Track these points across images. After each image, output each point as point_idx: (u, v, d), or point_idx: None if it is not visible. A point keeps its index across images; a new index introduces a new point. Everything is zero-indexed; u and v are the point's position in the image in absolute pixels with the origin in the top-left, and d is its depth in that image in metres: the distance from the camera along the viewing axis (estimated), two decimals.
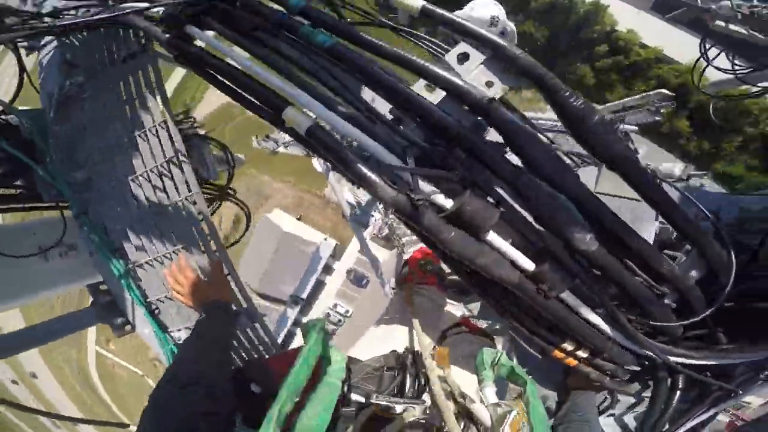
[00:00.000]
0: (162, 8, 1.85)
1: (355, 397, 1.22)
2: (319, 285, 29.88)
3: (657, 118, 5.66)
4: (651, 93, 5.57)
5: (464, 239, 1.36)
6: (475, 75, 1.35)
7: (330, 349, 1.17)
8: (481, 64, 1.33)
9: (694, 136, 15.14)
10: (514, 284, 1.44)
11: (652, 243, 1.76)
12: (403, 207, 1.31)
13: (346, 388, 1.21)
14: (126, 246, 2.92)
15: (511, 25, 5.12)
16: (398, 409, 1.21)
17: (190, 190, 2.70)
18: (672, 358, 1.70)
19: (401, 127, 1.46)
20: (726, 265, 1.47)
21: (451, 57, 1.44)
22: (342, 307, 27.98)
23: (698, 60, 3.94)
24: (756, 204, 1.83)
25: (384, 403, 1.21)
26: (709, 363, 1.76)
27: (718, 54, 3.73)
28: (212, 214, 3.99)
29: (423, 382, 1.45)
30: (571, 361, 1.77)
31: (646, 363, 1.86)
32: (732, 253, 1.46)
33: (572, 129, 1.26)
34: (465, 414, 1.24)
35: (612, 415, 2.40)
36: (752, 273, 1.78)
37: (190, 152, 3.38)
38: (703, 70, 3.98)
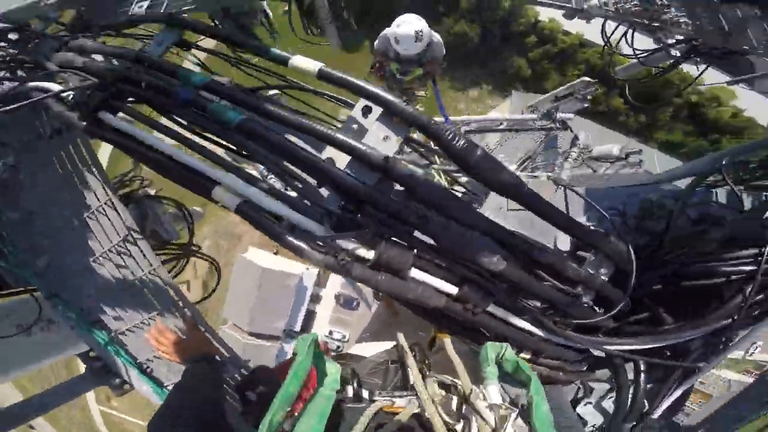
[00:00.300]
0: (71, 93, 1.81)
1: (364, 393, 1.28)
2: (311, 315, 29.02)
3: (585, 105, 5.94)
4: (575, 82, 5.83)
5: (391, 280, 1.48)
6: (375, 129, 1.42)
7: (325, 361, 1.19)
8: (377, 120, 1.40)
9: (631, 112, 15.90)
10: (443, 308, 1.56)
11: (569, 245, 1.90)
12: (332, 266, 1.42)
13: (356, 384, 1.27)
14: (104, 318, 2.90)
15: (436, 37, 5.23)
16: (402, 402, 1.23)
17: (151, 264, 2.71)
18: (612, 347, 1.81)
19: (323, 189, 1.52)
20: (627, 260, 1.59)
21: (356, 111, 1.53)
22: (338, 333, 27.27)
23: (605, 45, 4.04)
24: (654, 193, 1.99)
25: (388, 399, 1.25)
26: (650, 346, 1.87)
27: (624, 34, 3.80)
28: (181, 271, 3.95)
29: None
30: None
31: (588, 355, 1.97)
32: (630, 248, 1.58)
33: (460, 166, 1.37)
34: (472, 410, 1.19)
35: (589, 403, 2.44)
36: (663, 258, 1.93)
37: (145, 215, 3.36)
38: (611, 55, 4.13)
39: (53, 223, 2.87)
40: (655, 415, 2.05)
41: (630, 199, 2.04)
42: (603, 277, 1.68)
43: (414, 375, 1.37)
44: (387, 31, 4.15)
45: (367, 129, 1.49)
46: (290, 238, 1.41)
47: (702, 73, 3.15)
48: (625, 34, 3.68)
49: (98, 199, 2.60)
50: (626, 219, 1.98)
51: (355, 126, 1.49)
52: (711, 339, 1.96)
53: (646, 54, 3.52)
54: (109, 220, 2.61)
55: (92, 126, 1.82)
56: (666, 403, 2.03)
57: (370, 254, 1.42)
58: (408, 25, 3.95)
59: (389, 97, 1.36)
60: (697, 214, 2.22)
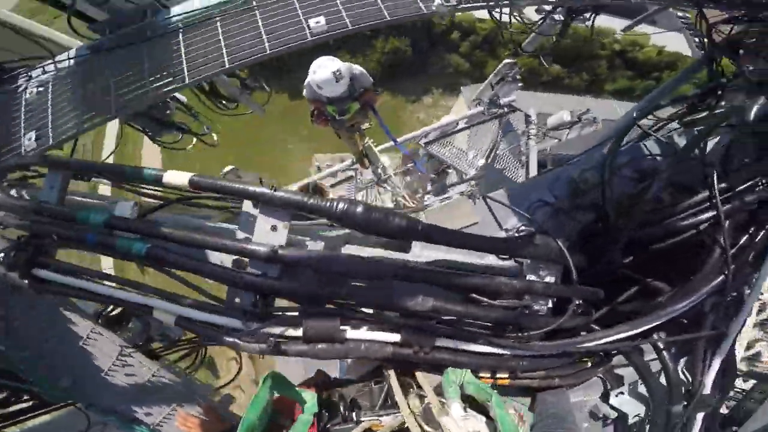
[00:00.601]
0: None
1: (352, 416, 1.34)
2: None
3: (519, 84, 5.73)
4: (499, 67, 5.62)
5: (331, 347, 1.38)
6: (261, 222, 1.35)
7: (299, 392, 1.31)
8: (260, 213, 1.29)
9: (573, 74, 15.47)
10: (392, 356, 1.43)
11: None
12: (266, 352, 1.36)
13: (342, 408, 1.36)
14: (137, 415, 2.94)
15: (357, 68, 4.83)
16: (388, 419, 1.29)
17: (150, 369, 2.71)
18: (593, 343, 1.56)
19: None
20: (561, 255, 1.40)
21: (247, 205, 1.44)
22: None
23: (500, 27, 3.73)
24: (575, 171, 1.80)
25: (374, 418, 1.30)
26: (638, 331, 1.58)
27: (510, 13, 3.51)
28: (204, 360, 3.90)
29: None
30: (503, 381, 1.63)
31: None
32: (557, 240, 1.40)
33: (348, 227, 1.28)
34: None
35: (621, 393, 2.03)
36: (617, 228, 1.69)
37: (147, 324, 3.33)
38: (512, 34, 3.90)
39: (59, 353, 2.90)
40: (706, 389, 1.74)
41: (555, 183, 1.84)
42: (548, 278, 1.48)
43: (396, 392, 1.38)
44: (308, 79, 3.85)
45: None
46: (226, 338, 1.40)
47: (593, 27, 2.99)
48: (510, 12, 3.46)
49: (85, 329, 2.59)
50: (560, 205, 1.78)
51: (250, 219, 1.41)
52: (718, 299, 1.66)
53: (539, 24, 3.36)
54: (101, 342, 2.60)
55: (34, 283, 1.75)
56: (710, 375, 1.72)
57: (298, 332, 1.36)
58: (324, 69, 3.67)
59: (259, 190, 1.30)
60: (634, 171, 2.01)
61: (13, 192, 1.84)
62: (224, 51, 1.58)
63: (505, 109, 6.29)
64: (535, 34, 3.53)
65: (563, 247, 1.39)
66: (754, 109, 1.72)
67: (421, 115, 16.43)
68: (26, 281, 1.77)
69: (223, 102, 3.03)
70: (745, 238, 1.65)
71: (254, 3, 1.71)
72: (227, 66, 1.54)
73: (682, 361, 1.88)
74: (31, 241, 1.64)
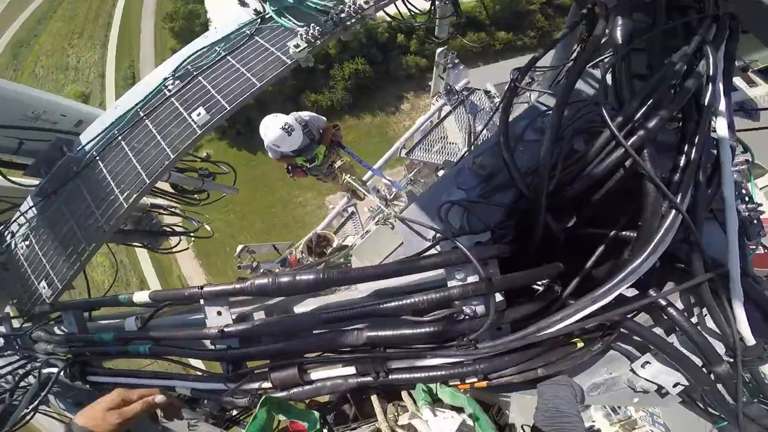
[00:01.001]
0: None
1: None
2: None
3: (461, 67, 5.60)
4: (436, 59, 5.49)
5: (302, 389, 1.55)
6: (208, 310, 1.55)
7: (309, 412, 1.37)
8: (204, 304, 1.53)
9: (519, 36, 14.85)
10: (357, 386, 1.54)
11: None
12: (249, 404, 1.58)
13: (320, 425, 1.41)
14: None
15: (305, 114, 4.67)
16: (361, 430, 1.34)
17: None
18: (553, 328, 1.39)
19: None
20: (461, 255, 1.42)
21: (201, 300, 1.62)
22: None
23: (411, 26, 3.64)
24: (468, 160, 1.77)
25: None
26: (601, 304, 1.34)
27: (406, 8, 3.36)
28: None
29: None
30: (480, 384, 1.57)
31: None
32: (456, 241, 1.43)
33: (270, 297, 1.50)
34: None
35: (647, 363, 1.60)
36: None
37: None
38: (417, 28, 3.78)
39: None
40: (749, 341, 1.39)
41: (460, 176, 1.81)
42: (470, 278, 1.47)
43: (374, 402, 1.43)
44: (265, 143, 3.74)
45: None
46: (224, 398, 1.64)
47: None
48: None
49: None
50: (466, 198, 1.75)
51: None
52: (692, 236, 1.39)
53: (433, 11, 3.30)
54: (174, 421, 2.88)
55: (93, 386, 2.06)
56: (742, 324, 1.37)
57: (269, 383, 1.54)
58: (272, 129, 3.54)
59: (192, 292, 1.50)
60: (537, 133, 1.93)
61: (55, 328, 2.15)
62: (139, 168, 1.74)
63: (464, 93, 6.18)
64: (438, 20, 3.44)
65: (464, 248, 1.38)
66: (618, 30, 1.62)
67: (407, 123, 16.14)
68: (87, 386, 2.08)
69: (195, 196, 3.15)
70: (683, 159, 1.42)
71: (141, 114, 1.83)
72: (147, 182, 1.71)
73: (706, 312, 1.50)
74: (75, 360, 1.95)
